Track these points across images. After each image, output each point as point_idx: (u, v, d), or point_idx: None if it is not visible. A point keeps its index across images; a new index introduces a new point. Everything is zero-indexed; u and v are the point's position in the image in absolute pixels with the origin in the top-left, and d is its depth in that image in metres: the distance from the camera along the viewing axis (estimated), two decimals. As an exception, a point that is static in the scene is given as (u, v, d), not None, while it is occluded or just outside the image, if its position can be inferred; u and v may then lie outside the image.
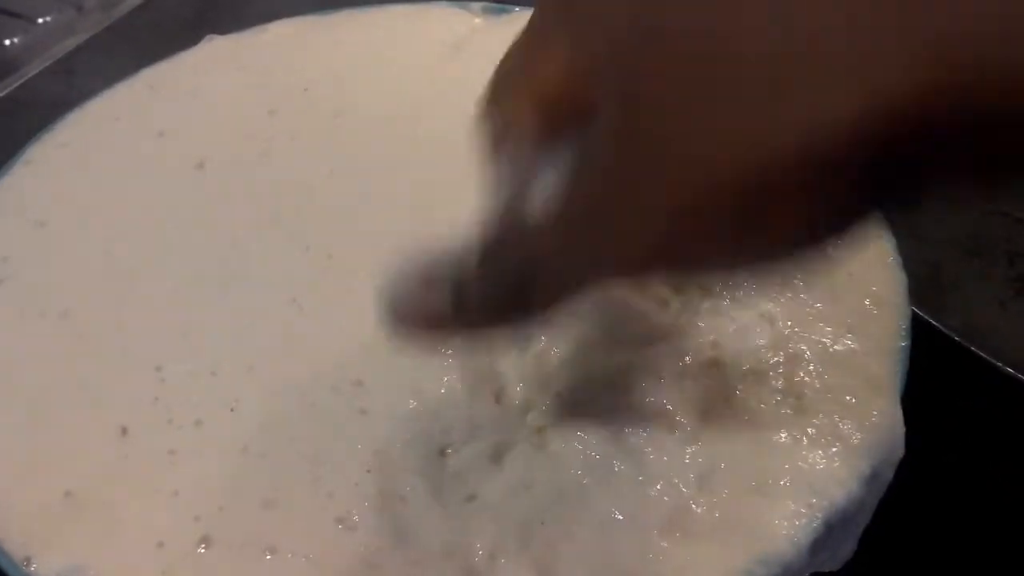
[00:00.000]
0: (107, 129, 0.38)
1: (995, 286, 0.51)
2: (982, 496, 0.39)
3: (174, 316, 0.31)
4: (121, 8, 0.68)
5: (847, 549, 0.29)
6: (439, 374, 0.29)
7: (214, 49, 0.42)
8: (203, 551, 0.26)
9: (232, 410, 0.29)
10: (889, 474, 0.29)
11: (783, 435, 0.28)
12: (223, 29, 0.76)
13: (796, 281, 0.32)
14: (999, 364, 0.39)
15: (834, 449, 0.28)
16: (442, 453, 0.28)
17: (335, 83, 0.40)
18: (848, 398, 0.29)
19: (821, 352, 0.30)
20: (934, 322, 0.39)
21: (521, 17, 0.46)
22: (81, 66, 0.64)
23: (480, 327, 0.22)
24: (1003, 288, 0.51)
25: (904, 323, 0.31)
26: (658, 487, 0.27)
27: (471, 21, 0.45)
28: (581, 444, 0.28)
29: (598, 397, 0.28)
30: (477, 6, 0.47)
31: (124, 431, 0.29)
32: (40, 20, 0.65)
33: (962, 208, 0.55)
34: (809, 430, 0.28)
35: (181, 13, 0.73)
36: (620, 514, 0.26)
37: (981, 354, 0.39)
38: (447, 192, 0.35)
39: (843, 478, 0.27)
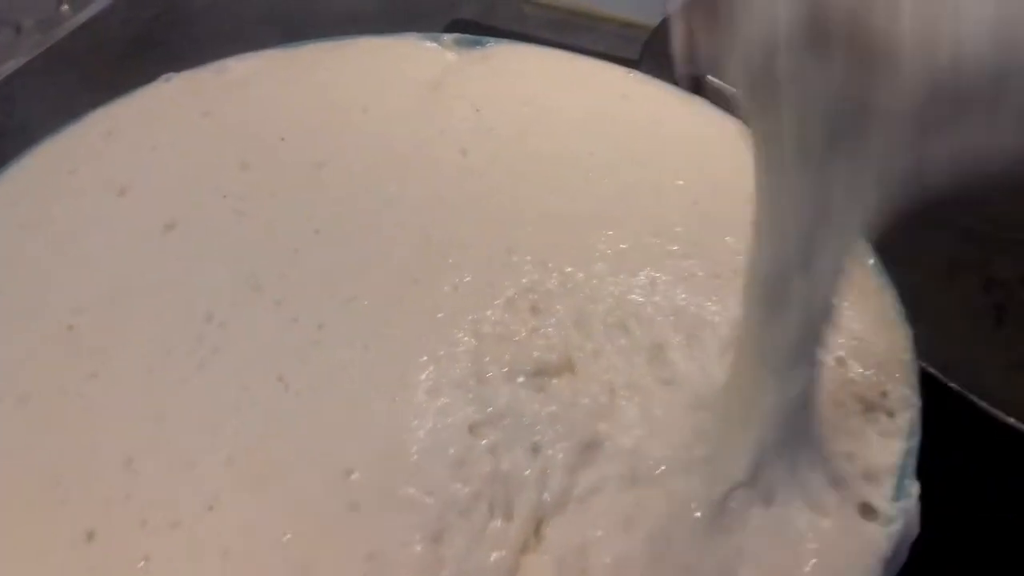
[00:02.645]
0: (61, 184, 0.35)
1: (973, 315, 0.51)
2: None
3: (145, 400, 0.29)
4: (62, 29, 0.64)
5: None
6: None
7: (174, 91, 0.39)
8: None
9: (211, 508, 0.27)
10: (905, 554, 0.28)
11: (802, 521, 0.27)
12: (171, 50, 0.73)
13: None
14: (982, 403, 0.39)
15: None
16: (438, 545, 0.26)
17: (312, 131, 0.37)
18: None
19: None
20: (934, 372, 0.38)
21: (495, 52, 0.44)
22: (21, 92, 0.61)
23: None
24: (982, 317, 0.50)
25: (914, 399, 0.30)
26: None
27: (444, 57, 0.43)
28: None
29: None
30: (448, 39, 0.45)
31: (91, 535, 0.26)
32: (-26, 42, 0.62)
33: (937, 229, 0.55)
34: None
35: (125, 34, 0.69)
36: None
37: (976, 401, 0.38)
38: (442, 251, 0.33)
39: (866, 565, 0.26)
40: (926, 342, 0.51)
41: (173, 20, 0.74)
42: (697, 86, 0.52)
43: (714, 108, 0.41)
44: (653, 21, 0.56)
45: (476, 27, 0.74)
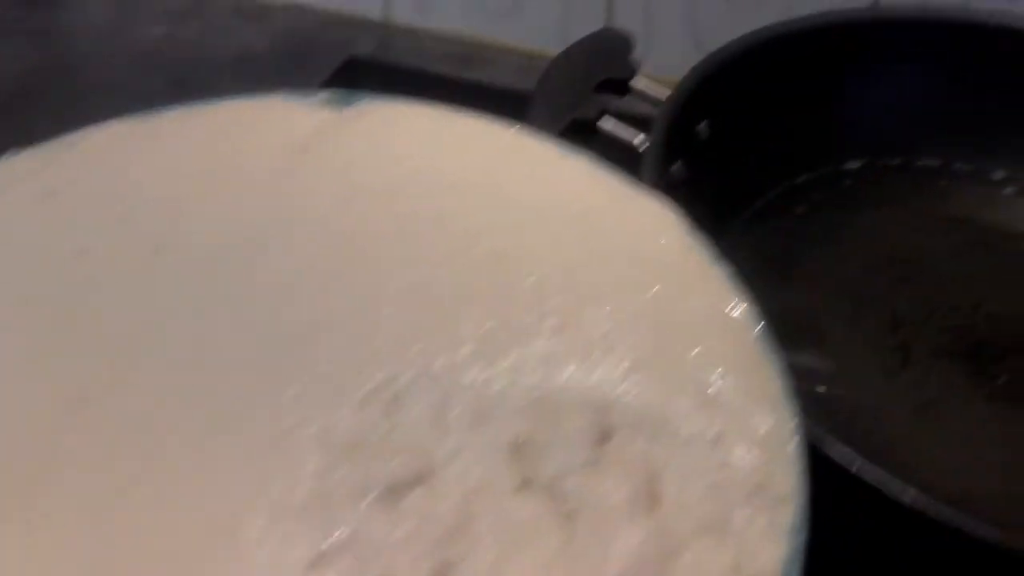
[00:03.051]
0: None
1: (879, 355, 0.50)
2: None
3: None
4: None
5: None
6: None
7: (14, 169, 0.36)
8: None
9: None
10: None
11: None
12: (52, 103, 0.69)
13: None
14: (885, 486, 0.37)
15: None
16: None
17: (158, 209, 0.35)
18: None
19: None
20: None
21: (370, 110, 0.42)
22: None
23: None
24: (888, 357, 0.49)
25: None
26: None
27: (316, 116, 0.41)
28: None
29: None
30: (320, 97, 0.42)
31: None
32: None
33: (843, 262, 0.54)
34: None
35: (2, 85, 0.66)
36: None
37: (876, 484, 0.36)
38: (290, 346, 0.30)
39: None
40: (831, 384, 0.50)
41: (54, 68, 0.70)
42: (589, 129, 0.50)
43: (600, 166, 0.39)
44: (557, 52, 0.55)
45: (372, 65, 0.72)
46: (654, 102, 0.52)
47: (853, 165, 0.59)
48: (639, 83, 0.53)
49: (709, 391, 0.31)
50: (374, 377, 0.29)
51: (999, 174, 0.58)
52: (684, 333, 0.32)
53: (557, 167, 0.38)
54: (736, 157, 0.54)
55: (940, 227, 0.56)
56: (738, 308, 0.33)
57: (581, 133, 0.50)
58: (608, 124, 0.50)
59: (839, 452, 0.35)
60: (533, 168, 0.38)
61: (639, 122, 0.51)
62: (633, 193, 0.38)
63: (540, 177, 0.38)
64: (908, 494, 0.33)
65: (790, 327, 0.52)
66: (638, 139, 0.49)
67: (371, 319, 0.31)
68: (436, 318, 0.32)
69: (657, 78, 0.54)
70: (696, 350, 0.32)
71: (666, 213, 0.37)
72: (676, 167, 0.50)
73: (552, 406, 0.29)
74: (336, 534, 0.24)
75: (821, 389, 0.48)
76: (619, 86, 0.52)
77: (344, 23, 0.76)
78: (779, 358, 0.32)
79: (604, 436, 0.29)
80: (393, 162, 0.38)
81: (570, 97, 0.50)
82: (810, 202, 0.57)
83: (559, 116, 0.49)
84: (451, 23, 0.74)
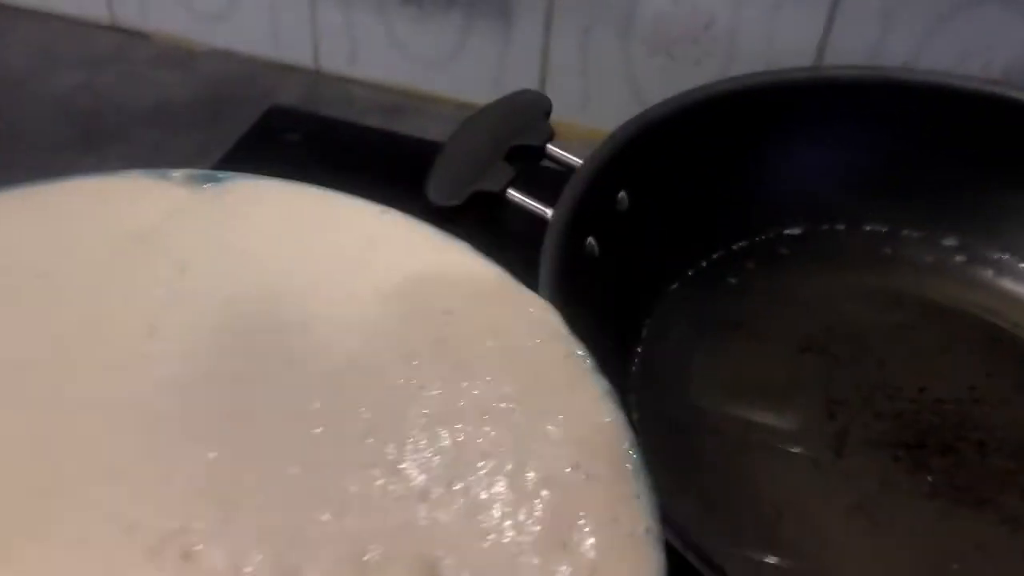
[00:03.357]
0: None
1: (812, 444, 0.46)
2: None
3: None
4: None
5: None
6: None
7: None
8: None
9: None
10: None
11: None
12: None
13: None
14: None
15: None
16: None
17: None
18: None
19: None
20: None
21: (234, 189, 0.38)
22: None
23: None
24: (821, 448, 0.45)
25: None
26: None
27: (171, 196, 0.37)
28: None
29: None
30: (180, 175, 0.38)
31: None
32: None
33: (777, 339, 0.50)
34: None
35: None
36: None
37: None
38: (77, 490, 0.26)
39: None
40: (755, 483, 0.46)
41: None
42: (497, 200, 0.46)
43: (476, 256, 0.35)
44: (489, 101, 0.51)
45: (296, 115, 0.68)
46: (571, 169, 0.48)
47: (793, 231, 0.55)
48: (556, 149, 0.49)
49: (566, 543, 0.27)
50: (167, 525, 0.25)
51: (950, 241, 0.55)
52: (542, 465, 0.28)
53: (424, 259, 0.35)
54: (662, 226, 0.50)
55: (884, 300, 0.52)
56: (610, 434, 0.29)
57: (488, 205, 0.46)
58: (517, 195, 0.46)
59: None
60: (397, 261, 0.34)
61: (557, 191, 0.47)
62: (509, 292, 0.34)
63: (403, 272, 0.34)
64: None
65: (714, 411, 0.49)
66: (551, 212, 0.45)
67: (173, 456, 0.27)
68: (253, 445, 0.28)
69: (597, 131, 0.50)
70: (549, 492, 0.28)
71: (544, 316, 0.33)
72: (589, 242, 0.46)
73: (377, 562, 0.25)
74: None
75: (740, 482, 0.44)
76: (534, 152, 0.48)
77: (272, 70, 0.72)
78: (653, 496, 0.28)
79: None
80: (236, 259, 0.34)
81: (476, 165, 0.46)
82: (744, 271, 0.53)
83: (462, 187, 0.45)
84: (382, 72, 0.70)
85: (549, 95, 0.68)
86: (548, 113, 0.51)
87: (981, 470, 0.44)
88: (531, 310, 0.33)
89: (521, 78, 0.67)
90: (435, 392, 0.30)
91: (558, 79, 0.67)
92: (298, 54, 0.72)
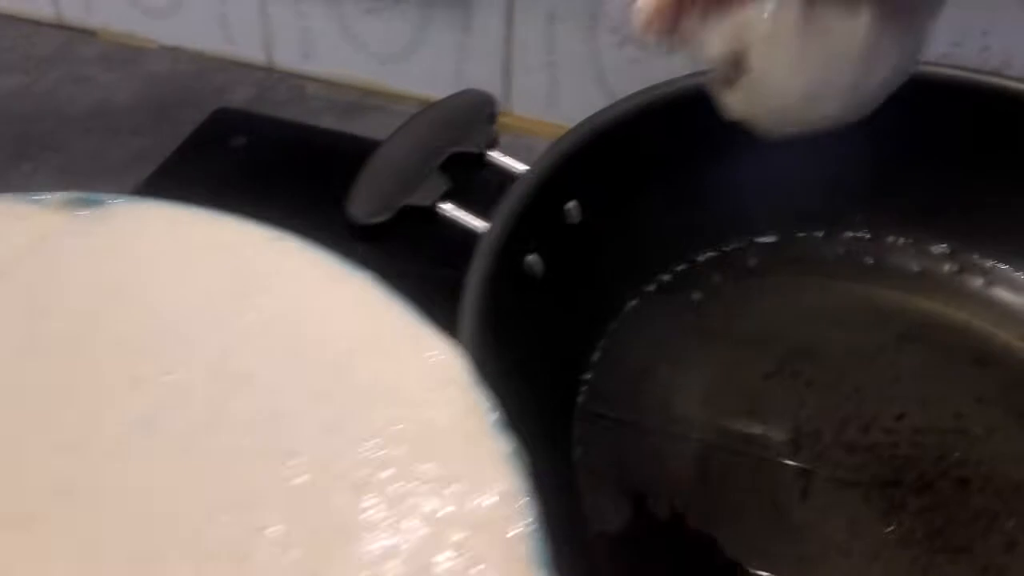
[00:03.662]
0: None
1: (773, 482, 0.41)
2: None
3: None
4: None
5: None
6: None
7: None
8: None
9: None
10: None
11: None
12: None
13: None
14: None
15: None
16: None
17: None
18: None
19: None
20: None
21: (114, 214, 0.34)
22: None
23: None
24: (784, 487, 0.41)
25: None
26: None
27: (39, 223, 0.33)
28: None
29: None
30: (56, 199, 0.34)
31: None
32: None
33: (740, 362, 0.46)
34: None
35: None
36: None
37: None
38: None
39: None
40: (709, 520, 0.42)
41: None
42: (428, 215, 0.42)
43: (377, 290, 0.31)
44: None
45: (244, 116, 0.64)
46: (515, 178, 0.44)
47: (766, 239, 0.50)
48: (498, 156, 0.45)
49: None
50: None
51: (939, 247, 0.50)
52: (421, 549, 0.24)
53: (313, 296, 0.31)
54: (619, 238, 0.46)
55: (864, 316, 0.48)
56: (507, 509, 0.25)
57: (420, 220, 0.42)
58: (451, 209, 0.42)
59: None
60: (281, 299, 0.30)
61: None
62: (410, 333, 0.30)
63: (284, 312, 0.30)
64: None
65: (669, 446, 0.44)
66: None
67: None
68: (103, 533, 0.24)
69: (565, 128, 0.45)
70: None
71: (447, 362, 0.29)
72: (530, 260, 0.42)
73: None
74: None
75: (698, 528, 0.40)
76: (474, 160, 0.44)
77: (223, 68, 0.68)
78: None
79: None
80: (101, 293, 0.30)
81: (406, 177, 0.42)
82: (710, 286, 0.48)
83: (388, 201, 0.41)
84: (338, 67, 0.66)
85: (514, 90, 0.64)
86: (493, 115, 0.46)
87: (961, 512, 0.40)
88: (433, 355, 0.29)
89: (484, 72, 0.63)
90: (304, 459, 0.26)
91: (523, 73, 0.62)
92: (250, 50, 0.68)
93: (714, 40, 0.31)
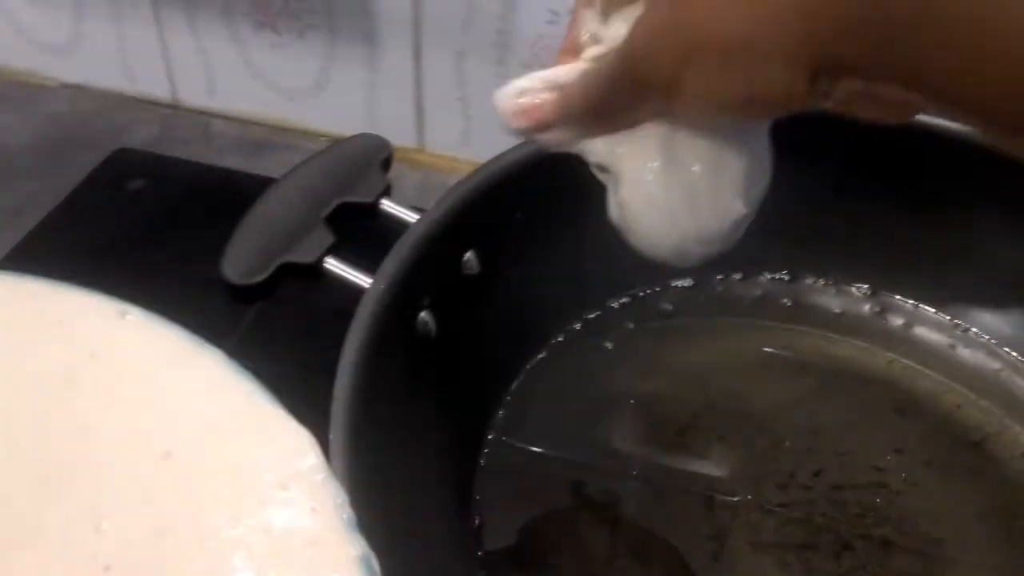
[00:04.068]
0: None
1: (684, 546, 0.39)
2: None
3: None
4: None
5: None
6: None
7: None
8: None
9: None
10: None
11: None
12: None
13: None
14: None
15: None
16: None
17: None
18: None
19: None
20: None
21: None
22: None
23: None
24: (695, 550, 0.39)
25: None
26: None
27: None
28: None
29: None
30: None
31: None
32: None
33: (651, 417, 0.44)
34: None
35: None
36: None
37: None
38: None
39: None
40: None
41: None
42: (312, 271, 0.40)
43: (227, 369, 0.28)
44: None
45: (143, 157, 0.61)
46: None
47: (681, 283, 0.48)
48: (391, 205, 0.42)
49: None
50: None
51: (859, 288, 0.48)
52: None
53: (154, 378, 0.28)
54: (522, 288, 0.44)
55: (782, 364, 0.46)
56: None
57: (303, 277, 0.40)
58: (336, 265, 0.39)
59: None
60: (117, 383, 0.28)
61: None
62: (260, 418, 0.27)
63: (120, 398, 0.27)
64: None
65: (574, 508, 0.42)
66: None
67: None
68: None
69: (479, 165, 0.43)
70: None
71: (299, 449, 0.27)
72: (422, 317, 0.39)
73: None
74: None
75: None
76: (365, 210, 0.42)
77: (125, 106, 0.65)
78: None
79: None
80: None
81: (286, 232, 0.39)
82: (623, 333, 0.46)
83: (266, 259, 0.38)
84: (244, 104, 0.63)
85: (427, 127, 0.62)
86: (388, 161, 0.44)
87: (883, 574, 0.38)
88: (281, 445, 0.27)
89: (395, 109, 0.60)
90: (126, 571, 0.23)
91: (435, 109, 0.60)
92: (153, 86, 0.65)
93: (595, 147, 0.31)
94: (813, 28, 0.23)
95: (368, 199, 0.42)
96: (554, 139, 0.30)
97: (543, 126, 0.30)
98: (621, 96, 0.28)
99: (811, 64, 0.23)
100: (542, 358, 0.45)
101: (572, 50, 0.31)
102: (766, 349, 0.46)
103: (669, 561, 0.39)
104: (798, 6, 0.23)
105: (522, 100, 0.29)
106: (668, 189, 0.30)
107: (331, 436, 0.31)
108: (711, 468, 0.41)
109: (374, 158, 0.43)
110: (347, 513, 0.25)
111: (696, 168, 0.29)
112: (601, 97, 0.29)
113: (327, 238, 0.40)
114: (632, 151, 0.30)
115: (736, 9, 0.24)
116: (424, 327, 0.39)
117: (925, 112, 0.25)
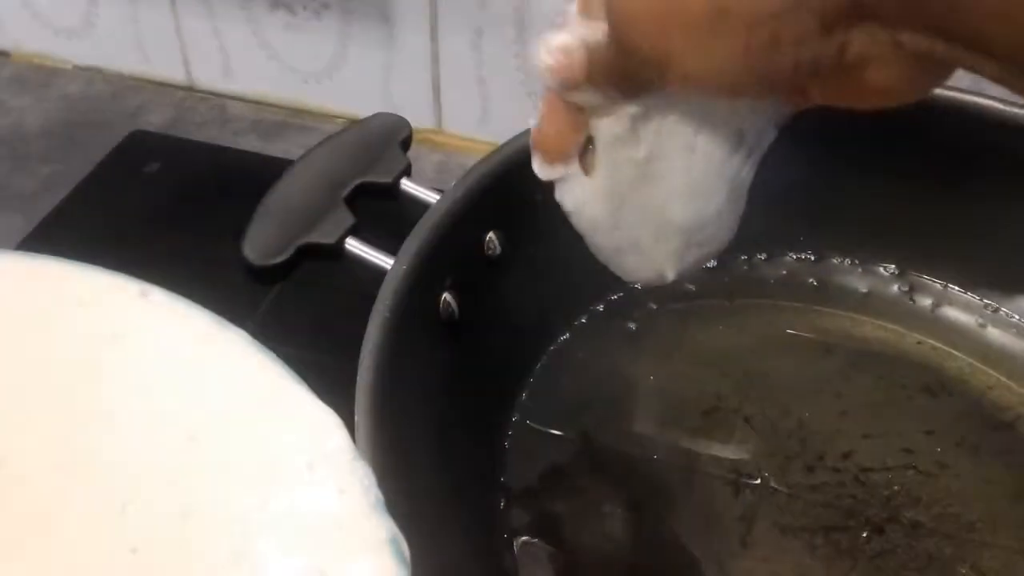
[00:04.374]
0: None
1: (712, 528, 0.38)
2: None
3: None
4: None
5: None
6: None
7: None
8: None
9: None
10: None
11: None
12: None
13: None
14: None
15: None
16: None
17: None
18: None
19: None
20: None
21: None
22: None
23: None
24: (723, 533, 0.38)
25: None
26: None
27: None
28: None
29: None
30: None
31: None
32: None
33: (675, 398, 0.43)
34: None
35: None
36: None
37: None
38: None
39: None
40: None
41: None
42: (332, 253, 0.39)
43: (252, 350, 0.28)
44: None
45: (159, 140, 0.60)
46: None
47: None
48: (411, 185, 0.41)
49: None
50: None
51: (886, 268, 0.47)
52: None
53: (178, 359, 0.27)
54: (545, 269, 0.43)
55: (808, 345, 0.45)
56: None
57: (324, 258, 0.39)
58: (357, 245, 0.39)
59: None
60: (139, 365, 0.27)
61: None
62: (285, 399, 0.27)
63: (142, 382, 0.27)
64: None
65: (599, 493, 0.41)
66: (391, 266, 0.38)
67: None
68: None
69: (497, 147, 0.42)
70: None
71: (325, 433, 0.26)
72: (445, 299, 0.39)
73: None
74: None
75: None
76: (384, 191, 0.41)
77: (140, 88, 0.65)
78: None
79: None
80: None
81: (307, 213, 0.39)
82: (646, 314, 0.45)
83: (287, 240, 0.38)
84: (260, 85, 0.63)
85: (444, 107, 0.61)
86: (407, 141, 0.43)
87: (913, 558, 0.37)
88: (307, 426, 0.26)
89: (412, 89, 0.60)
90: (153, 552, 0.23)
91: (452, 89, 0.59)
92: (168, 68, 0.64)
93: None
94: None
95: (388, 179, 0.41)
96: (586, 99, 0.28)
97: (572, 84, 0.28)
98: (621, 63, 0.25)
99: (823, 9, 0.20)
100: (565, 340, 0.44)
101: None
102: (791, 330, 0.46)
103: (696, 545, 0.38)
104: None
105: (554, 57, 0.27)
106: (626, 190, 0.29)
107: (356, 419, 0.31)
108: (737, 451, 0.41)
109: (393, 137, 0.43)
110: (375, 494, 0.25)
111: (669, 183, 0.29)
112: (607, 61, 0.26)
113: (347, 219, 0.39)
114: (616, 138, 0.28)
115: None
116: (446, 309, 0.39)
117: (941, 82, 0.24)
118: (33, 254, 0.30)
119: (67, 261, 0.30)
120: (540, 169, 0.30)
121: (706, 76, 0.23)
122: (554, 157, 0.29)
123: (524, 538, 0.38)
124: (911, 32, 0.21)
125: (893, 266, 0.47)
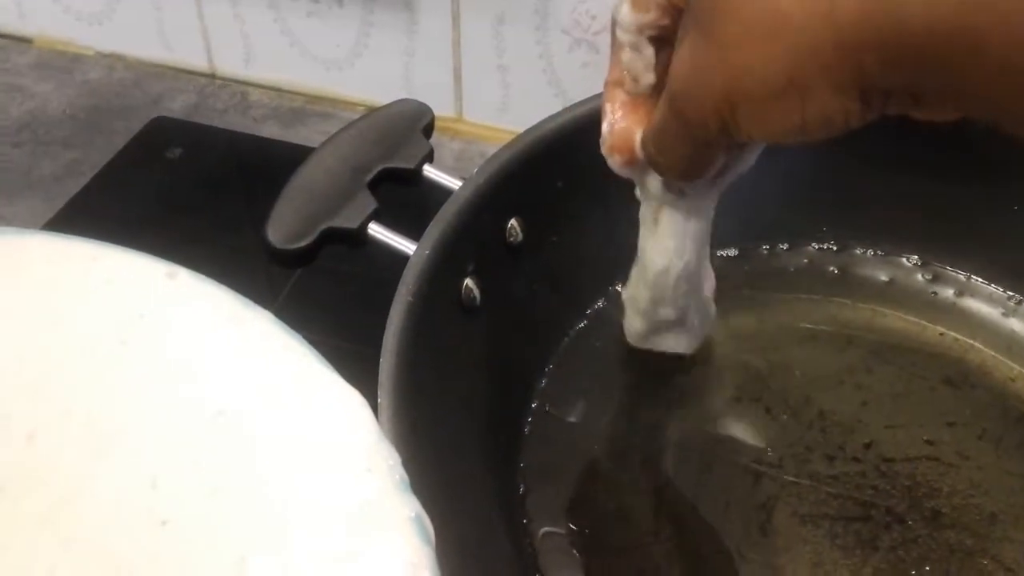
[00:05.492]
0: None
1: (732, 516, 0.38)
2: None
3: None
4: None
5: None
6: None
7: None
8: None
9: None
10: None
11: None
12: None
13: None
14: None
15: None
16: None
17: None
18: None
19: None
20: None
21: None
22: None
23: None
24: (743, 521, 0.38)
25: None
26: None
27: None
28: None
29: None
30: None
31: None
32: None
33: (696, 387, 0.43)
34: None
35: None
36: None
37: None
38: None
39: None
40: (664, 560, 0.39)
41: None
42: (355, 238, 0.39)
43: (278, 331, 0.28)
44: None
45: (181, 126, 0.61)
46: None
47: (726, 252, 0.47)
48: (434, 171, 0.42)
49: None
50: None
51: (909, 258, 0.47)
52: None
53: (205, 339, 0.28)
54: (566, 256, 0.43)
55: (830, 335, 0.45)
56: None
57: (347, 243, 0.39)
58: (380, 231, 0.39)
59: None
60: (166, 343, 0.27)
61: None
62: (311, 380, 0.27)
63: (170, 359, 0.27)
64: None
65: (618, 479, 0.41)
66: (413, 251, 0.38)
67: None
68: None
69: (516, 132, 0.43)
70: None
71: (351, 414, 0.26)
72: (469, 282, 0.39)
73: None
74: None
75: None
76: (407, 176, 0.41)
77: (162, 75, 0.65)
78: None
79: None
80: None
81: (330, 198, 0.39)
82: (667, 304, 0.45)
83: (310, 225, 0.38)
84: (281, 73, 0.63)
85: (465, 95, 0.61)
86: (430, 127, 0.43)
87: (934, 549, 0.37)
88: (332, 407, 0.26)
89: (433, 76, 0.60)
90: (183, 526, 0.23)
91: (474, 77, 0.59)
92: (190, 55, 0.65)
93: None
94: (856, 61, 0.23)
95: (410, 165, 0.41)
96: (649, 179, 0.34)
97: (633, 162, 0.33)
98: (680, 137, 0.29)
99: (861, 89, 0.24)
100: (584, 326, 0.44)
101: (619, 81, 0.32)
102: (812, 320, 0.45)
103: (715, 533, 0.38)
104: (836, 40, 0.23)
105: (611, 140, 0.33)
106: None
107: (379, 400, 0.31)
108: (757, 439, 0.41)
109: (416, 123, 0.43)
110: (400, 474, 0.25)
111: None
112: (664, 141, 0.30)
113: (370, 204, 0.39)
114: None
115: (772, 48, 0.24)
116: (468, 294, 0.39)
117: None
118: (60, 234, 0.31)
119: (95, 241, 0.30)
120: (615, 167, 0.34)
121: (764, 133, 0.26)
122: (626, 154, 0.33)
123: (542, 522, 0.38)
124: (939, 105, 0.24)
125: (916, 257, 0.47)
